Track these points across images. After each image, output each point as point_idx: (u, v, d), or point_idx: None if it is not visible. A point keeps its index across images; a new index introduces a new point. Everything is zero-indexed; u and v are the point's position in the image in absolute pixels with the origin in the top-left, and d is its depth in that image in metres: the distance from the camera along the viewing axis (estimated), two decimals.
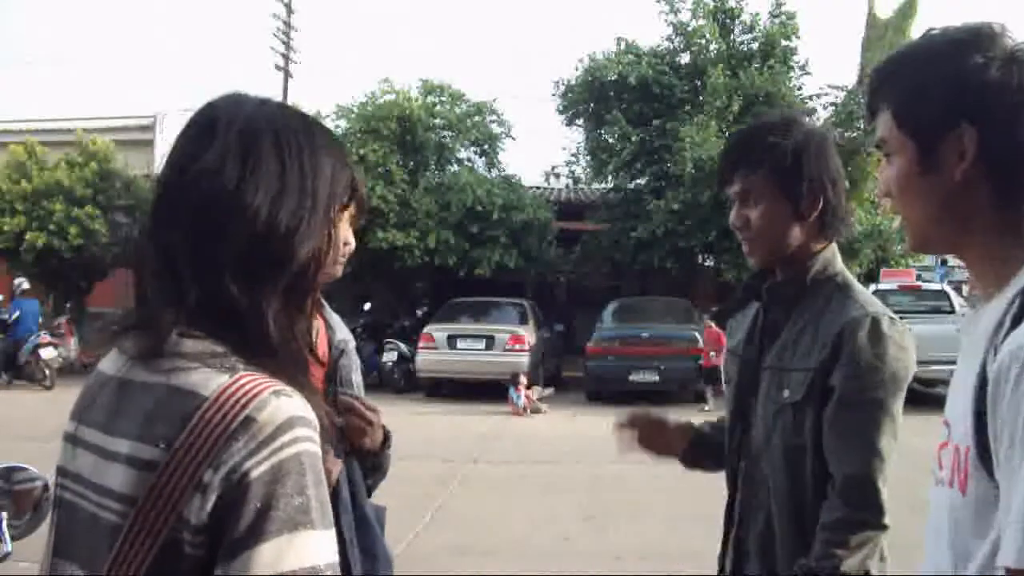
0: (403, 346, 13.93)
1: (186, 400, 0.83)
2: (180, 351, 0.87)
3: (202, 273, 0.88)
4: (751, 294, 1.78)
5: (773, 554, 1.62)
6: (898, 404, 1.56)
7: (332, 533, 0.83)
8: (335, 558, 0.82)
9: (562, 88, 17.73)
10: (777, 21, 16.95)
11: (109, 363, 0.96)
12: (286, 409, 0.83)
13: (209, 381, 0.84)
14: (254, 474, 0.79)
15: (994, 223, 1.00)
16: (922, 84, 1.02)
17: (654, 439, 1.95)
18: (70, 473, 0.94)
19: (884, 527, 1.52)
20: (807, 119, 1.81)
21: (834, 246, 1.72)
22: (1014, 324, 0.90)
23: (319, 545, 0.81)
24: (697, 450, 1.93)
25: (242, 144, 0.90)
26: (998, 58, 0.98)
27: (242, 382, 0.84)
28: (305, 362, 0.94)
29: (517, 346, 13.16)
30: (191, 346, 0.87)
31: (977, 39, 1.00)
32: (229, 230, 0.88)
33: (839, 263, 1.71)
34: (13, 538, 1.53)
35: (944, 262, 17.93)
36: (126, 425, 0.86)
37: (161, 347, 0.87)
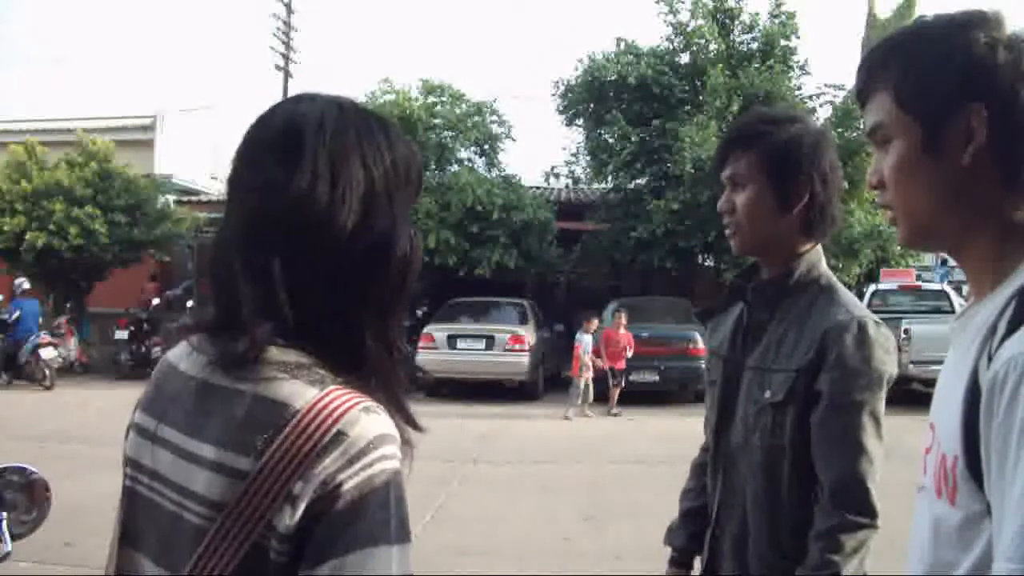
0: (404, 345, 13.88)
1: (277, 411, 0.84)
2: (268, 359, 0.88)
3: (297, 290, 0.89)
4: (738, 294, 1.78)
5: (746, 553, 1.63)
6: (882, 406, 1.57)
7: (409, 548, 0.85)
8: (410, 571, 0.85)
9: (562, 88, 17.74)
10: (777, 21, 16.94)
11: (184, 360, 0.96)
12: (375, 426, 0.85)
13: (300, 394, 0.85)
14: (344, 488, 0.82)
15: (998, 214, 0.96)
16: (928, 63, 0.97)
17: None
18: (145, 468, 0.94)
19: (877, 527, 1.53)
20: (809, 117, 1.81)
21: (820, 249, 1.72)
22: (1010, 329, 0.86)
23: (398, 560, 0.83)
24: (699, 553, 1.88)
25: (331, 165, 0.90)
26: (1002, 41, 0.95)
27: (332, 396, 0.85)
28: (396, 376, 0.95)
29: (517, 346, 13.16)
30: (279, 355, 0.88)
31: (981, 21, 0.97)
32: (323, 250, 0.89)
33: (824, 265, 1.71)
34: (13, 538, 1.53)
35: (944, 262, 17.91)
36: (212, 430, 0.87)
37: (255, 359, 0.87)
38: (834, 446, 1.54)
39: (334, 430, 0.83)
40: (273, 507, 0.82)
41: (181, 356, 0.97)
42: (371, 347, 0.92)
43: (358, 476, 0.82)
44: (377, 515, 0.83)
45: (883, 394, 1.57)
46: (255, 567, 0.82)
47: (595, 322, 12.45)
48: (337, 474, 0.82)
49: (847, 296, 1.67)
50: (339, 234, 0.89)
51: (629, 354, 12.31)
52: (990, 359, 0.86)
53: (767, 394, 1.62)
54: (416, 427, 0.93)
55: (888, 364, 1.58)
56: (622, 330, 12.32)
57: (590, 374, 12.00)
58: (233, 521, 0.83)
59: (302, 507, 0.82)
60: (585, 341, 12.18)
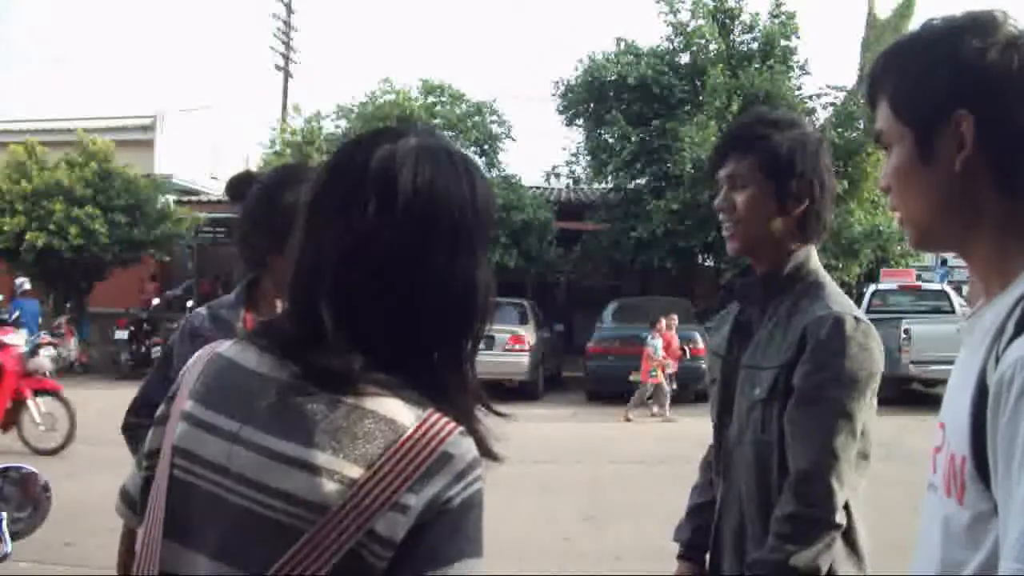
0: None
1: (387, 425, 0.89)
2: (370, 378, 0.91)
3: (385, 324, 0.93)
4: (731, 294, 1.82)
5: (744, 549, 1.65)
6: (857, 404, 1.56)
7: (485, 561, 0.92)
8: None
9: (562, 88, 17.76)
10: (777, 21, 16.96)
11: (247, 358, 0.97)
12: (473, 449, 0.92)
13: (406, 412, 0.90)
14: (453, 504, 0.89)
15: (997, 217, 0.95)
16: (918, 71, 0.98)
17: None
18: (202, 460, 0.94)
19: (836, 525, 1.53)
20: (806, 121, 1.82)
21: (811, 248, 1.72)
22: (1018, 331, 0.86)
23: (481, 571, 0.91)
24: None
25: (423, 208, 0.94)
26: (997, 43, 0.94)
27: (435, 418, 0.91)
28: (472, 407, 0.99)
29: (517, 346, 13.15)
30: (379, 376, 0.92)
31: (976, 25, 0.96)
32: (413, 289, 0.94)
33: (814, 263, 1.72)
34: (13, 537, 1.53)
35: (944, 262, 17.92)
36: (312, 435, 0.89)
37: (348, 388, 0.91)
38: (800, 439, 1.56)
39: (441, 449, 0.89)
40: (377, 515, 0.86)
41: (243, 354, 0.98)
42: (448, 378, 0.97)
43: (462, 494, 0.89)
44: (472, 530, 0.91)
45: (860, 393, 1.56)
46: (350, 570, 0.85)
47: (663, 323, 12.20)
48: (447, 490, 0.88)
49: (833, 292, 1.67)
50: (428, 277, 0.94)
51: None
52: (998, 360, 0.86)
53: (757, 392, 1.64)
54: (492, 457, 0.97)
55: (863, 361, 1.56)
56: (673, 332, 12.27)
57: (664, 375, 11.85)
58: (335, 524, 0.86)
59: (413, 518, 0.86)
60: (656, 344, 11.92)
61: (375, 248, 0.93)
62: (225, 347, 1.01)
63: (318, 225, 0.97)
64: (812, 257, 1.72)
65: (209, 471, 0.93)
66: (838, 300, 1.65)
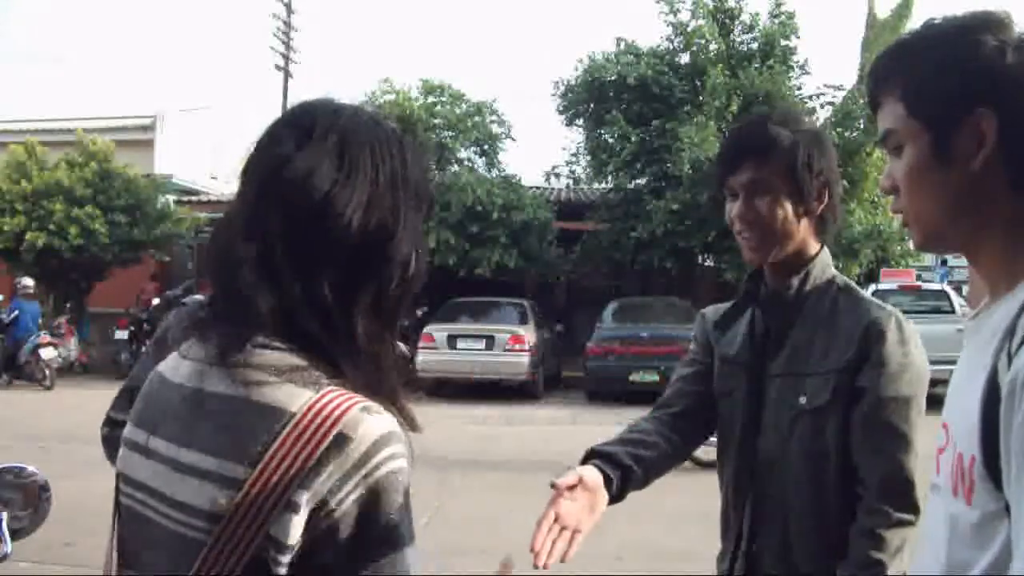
0: (403, 346, 13.84)
1: (271, 416, 0.82)
2: (261, 363, 0.85)
3: (294, 275, 0.86)
4: (751, 299, 1.73)
5: (793, 565, 1.59)
6: (923, 403, 1.56)
7: (417, 547, 0.84)
8: (421, 570, 0.84)
9: (562, 88, 17.73)
10: (777, 21, 16.94)
11: (173, 370, 0.94)
12: (378, 426, 0.82)
13: (294, 397, 0.82)
14: (353, 496, 0.79)
15: (1010, 217, 0.95)
16: (935, 68, 0.96)
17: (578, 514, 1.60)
18: (134, 482, 0.91)
19: (916, 524, 1.50)
20: (806, 117, 1.79)
21: (827, 250, 1.70)
22: None
23: (411, 561, 0.83)
24: (619, 485, 1.66)
25: (340, 148, 0.89)
26: (1011, 42, 0.94)
27: (329, 398, 0.82)
28: (393, 375, 0.93)
29: (517, 346, 13.15)
30: (272, 358, 0.85)
31: (989, 23, 0.95)
32: (323, 236, 0.87)
33: (832, 266, 1.70)
34: (13, 537, 1.53)
35: (944, 262, 17.92)
36: (205, 439, 0.84)
37: (243, 346, 0.85)
38: (881, 442, 1.52)
39: (333, 433, 0.80)
40: (271, 517, 0.79)
41: (171, 366, 0.95)
42: (367, 347, 0.89)
43: (365, 482, 0.80)
44: (390, 520, 0.81)
45: (925, 390, 1.56)
46: None
47: None
48: (343, 482, 0.79)
49: (867, 294, 1.68)
50: (340, 221, 0.87)
51: None
52: (1010, 359, 0.85)
53: (803, 400, 1.58)
54: (414, 427, 0.90)
55: (925, 359, 1.57)
56: None
57: None
58: (231, 533, 0.79)
59: (305, 517, 0.79)
60: None
61: (285, 180, 0.87)
62: (164, 362, 0.97)
63: (243, 179, 0.93)
64: (830, 258, 1.70)
65: (139, 492, 0.91)
66: (877, 300, 1.64)
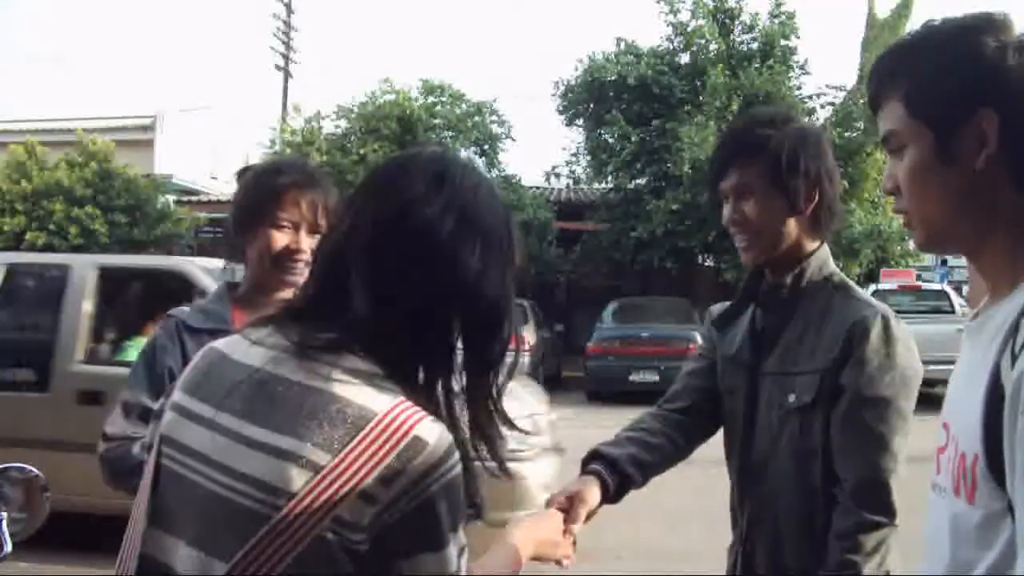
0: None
1: (355, 411, 0.89)
2: (343, 365, 0.92)
3: (397, 305, 0.94)
4: (750, 298, 1.74)
5: (783, 564, 1.60)
6: (909, 404, 1.54)
7: (465, 549, 0.93)
8: (465, 566, 0.92)
9: (562, 88, 17.75)
10: (777, 21, 16.96)
11: (239, 351, 0.99)
12: (446, 436, 0.91)
13: (376, 398, 0.90)
14: (429, 492, 0.87)
15: (1012, 216, 0.96)
16: (937, 69, 0.97)
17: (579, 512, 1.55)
18: (186, 448, 0.96)
19: (896, 526, 1.50)
20: (801, 116, 1.79)
21: (826, 247, 1.69)
22: None
23: (460, 557, 0.91)
24: (616, 490, 1.66)
25: (464, 205, 0.97)
26: (1012, 44, 0.95)
27: (405, 405, 0.90)
28: (440, 403, 0.99)
29: None
30: (353, 363, 0.92)
31: (989, 25, 0.96)
32: (437, 279, 0.95)
33: (831, 263, 1.69)
34: (13, 537, 1.53)
35: (944, 262, 17.92)
36: (279, 419, 0.90)
37: (335, 347, 0.92)
38: (857, 444, 1.51)
39: (411, 435, 0.87)
40: (344, 502, 0.85)
41: (234, 346, 1.00)
42: (438, 381, 0.98)
43: (438, 482, 0.88)
44: (452, 517, 0.90)
45: (912, 392, 1.54)
46: (318, 557, 0.85)
47: None
48: (422, 479, 0.87)
49: (863, 292, 1.66)
50: (458, 272, 0.95)
51: None
52: (1014, 358, 0.86)
53: (791, 398, 1.58)
54: (507, 474, 1.03)
55: (910, 360, 1.55)
56: None
57: None
58: (303, 510, 0.85)
59: (381, 507, 0.86)
60: None
61: (414, 224, 0.94)
62: (221, 341, 1.03)
63: (363, 203, 0.99)
64: (830, 256, 1.69)
65: (190, 458, 0.95)
66: (872, 299, 1.62)
